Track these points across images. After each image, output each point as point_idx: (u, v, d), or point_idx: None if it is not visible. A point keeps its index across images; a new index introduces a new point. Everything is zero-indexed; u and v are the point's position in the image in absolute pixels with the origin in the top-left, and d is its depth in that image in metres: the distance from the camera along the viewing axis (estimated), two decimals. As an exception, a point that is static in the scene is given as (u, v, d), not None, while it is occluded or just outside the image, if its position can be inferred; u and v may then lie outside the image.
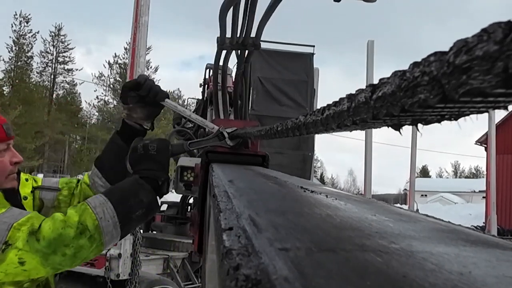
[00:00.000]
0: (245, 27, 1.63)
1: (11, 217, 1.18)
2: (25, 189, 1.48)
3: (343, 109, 0.36)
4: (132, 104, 1.51)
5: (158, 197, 1.36)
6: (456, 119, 0.27)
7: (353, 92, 0.36)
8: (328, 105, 0.41)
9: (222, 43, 1.72)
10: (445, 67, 0.23)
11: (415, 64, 0.26)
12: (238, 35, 1.71)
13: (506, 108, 0.23)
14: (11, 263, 1.13)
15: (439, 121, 0.28)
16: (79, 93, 40.11)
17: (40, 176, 1.66)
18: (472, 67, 0.21)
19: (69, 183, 1.61)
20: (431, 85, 0.24)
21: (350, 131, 0.40)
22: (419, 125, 0.30)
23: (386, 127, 0.34)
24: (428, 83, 0.24)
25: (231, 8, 1.58)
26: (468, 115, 0.26)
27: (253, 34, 1.69)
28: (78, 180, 1.64)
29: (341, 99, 0.38)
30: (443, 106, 0.25)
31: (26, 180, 1.51)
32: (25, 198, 1.46)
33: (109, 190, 1.31)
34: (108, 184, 1.54)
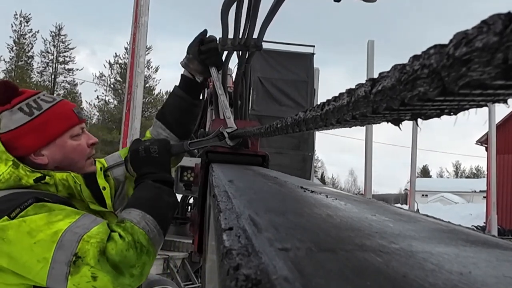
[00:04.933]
0: (247, 28, 1.63)
1: (82, 227, 1.15)
2: (100, 179, 1.48)
3: (342, 104, 0.36)
4: (192, 55, 1.60)
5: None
6: (455, 113, 0.27)
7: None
8: (327, 100, 0.41)
9: (224, 44, 1.72)
10: (445, 59, 0.23)
11: (415, 57, 0.26)
12: (240, 36, 1.71)
13: (505, 101, 0.23)
14: (84, 276, 1.10)
15: (438, 116, 0.28)
16: (80, 93, 40.18)
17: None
18: (472, 59, 0.21)
19: None
20: (431, 78, 0.24)
21: (350, 126, 0.40)
22: (419, 121, 0.30)
23: (386, 122, 0.34)
24: (427, 75, 0.24)
25: (234, 9, 1.58)
26: (467, 109, 0.26)
27: (255, 35, 1.69)
28: None
29: (340, 94, 0.38)
30: (443, 99, 0.25)
31: (100, 169, 1.51)
32: (104, 188, 1.46)
33: (137, 203, 1.28)
34: (173, 135, 1.60)
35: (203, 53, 1.59)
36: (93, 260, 1.11)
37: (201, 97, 1.68)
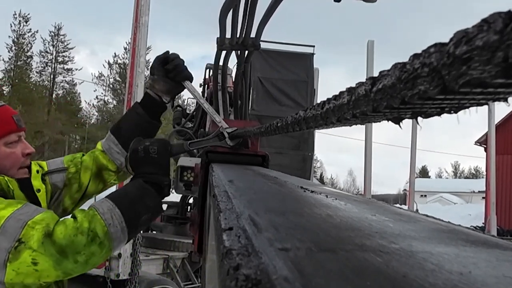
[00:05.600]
0: (245, 28, 1.63)
1: (26, 214, 1.17)
2: (36, 181, 1.46)
3: (343, 103, 0.36)
4: (157, 76, 1.58)
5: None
6: (456, 111, 0.27)
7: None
8: (328, 99, 0.41)
9: (222, 44, 1.72)
10: (445, 58, 0.23)
11: (415, 56, 0.26)
12: (238, 36, 1.71)
13: (506, 100, 0.23)
14: (23, 261, 1.12)
15: (439, 114, 0.28)
16: (79, 93, 40.16)
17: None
18: (472, 58, 0.21)
19: (74, 159, 1.61)
20: (431, 76, 0.24)
21: (350, 125, 0.40)
22: (419, 119, 0.30)
23: (386, 121, 0.34)
24: (428, 74, 0.24)
25: (232, 9, 1.58)
26: (468, 107, 0.26)
27: (252, 35, 1.69)
28: (83, 154, 1.64)
29: (341, 92, 0.38)
30: (443, 98, 0.25)
31: (37, 172, 1.49)
32: (38, 190, 1.45)
33: (116, 195, 1.30)
34: (125, 151, 1.56)
35: (171, 71, 1.56)
36: (36, 243, 1.12)
37: (160, 119, 1.64)
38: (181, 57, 1.58)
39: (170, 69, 1.56)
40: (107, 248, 1.20)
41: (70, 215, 1.25)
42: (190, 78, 1.60)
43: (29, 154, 1.41)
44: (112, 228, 1.20)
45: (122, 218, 1.22)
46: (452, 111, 0.27)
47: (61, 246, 1.14)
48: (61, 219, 1.22)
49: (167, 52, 1.60)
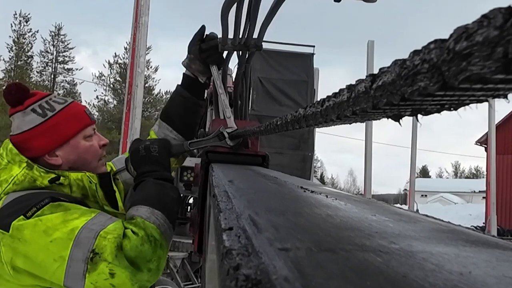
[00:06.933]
0: (248, 28, 1.63)
1: (99, 224, 1.14)
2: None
3: (343, 100, 0.36)
4: (193, 55, 1.57)
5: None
6: (456, 108, 0.27)
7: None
8: (328, 96, 0.41)
9: (224, 44, 1.71)
10: (445, 54, 0.23)
11: (415, 52, 0.26)
12: (240, 36, 1.71)
13: (505, 96, 0.23)
14: (102, 273, 1.08)
15: (439, 111, 0.28)
16: (79, 93, 40.16)
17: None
18: (472, 53, 0.21)
19: None
20: (431, 73, 0.24)
21: (350, 123, 0.40)
22: (419, 116, 0.30)
23: (386, 118, 0.34)
24: (428, 70, 0.24)
25: (234, 9, 1.58)
26: (468, 104, 0.26)
27: (255, 35, 1.69)
28: None
29: (341, 90, 0.38)
30: (443, 94, 0.25)
31: (110, 172, 1.49)
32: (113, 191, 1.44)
33: (143, 198, 1.26)
34: (181, 137, 1.57)
35: (204, 51, 1.56)
36: (110, 256, 1.09)
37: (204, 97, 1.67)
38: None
39: (204, 49, 1.56)
40: (166, 248, 1.20)
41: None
42: (219, 63, 1.60)
43: (105, 145, 1.43)
44: (162, 228, 1.19)
45: (163, 216, 1.22)
46: (452, 108, 0.27)
47: (131, 258, 1.11)
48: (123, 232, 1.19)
49: (203, 27, 1.59)
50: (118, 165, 1.58)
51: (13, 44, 35.76)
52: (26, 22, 36.16)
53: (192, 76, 1.61)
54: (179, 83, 1.65)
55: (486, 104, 0.25)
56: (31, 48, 36.56)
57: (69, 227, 1.12)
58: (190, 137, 1.62)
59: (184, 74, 1.63)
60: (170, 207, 1.27)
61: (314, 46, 7.68)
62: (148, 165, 1.36)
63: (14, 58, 35.73)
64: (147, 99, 35.19)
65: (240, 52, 1.93)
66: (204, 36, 1.59)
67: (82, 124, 1.36)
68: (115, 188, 1.43)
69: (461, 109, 0.27)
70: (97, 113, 38.97)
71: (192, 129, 1.64)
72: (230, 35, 1.71)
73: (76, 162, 1.34)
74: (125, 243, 1.12)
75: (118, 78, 37.65)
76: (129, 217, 1.22)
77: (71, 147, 1.33)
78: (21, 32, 36.19)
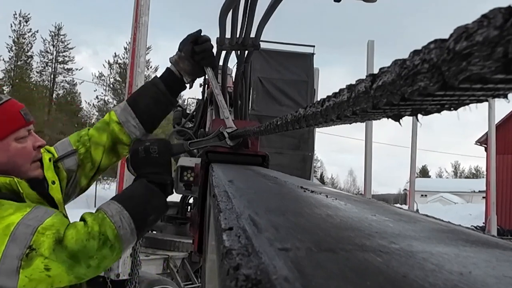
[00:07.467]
0: (245, 28, 1.63)
1: (35, 219, 1.14)
2: (49, 172, 1.41)
3: (343, 100, 0.36)
4: (184, 54, 1.55)
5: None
6: (456, 108, 0.27)
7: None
8: (328, 96, 0.41)
9: (222, 44, 1.72)
10: (445, 53, 0.23)
11: (415, 52, 0.26)
12: (237, 36, 1.71)
13: (505, 96, 0.23)
14: (36, 268, 1.10)
15: (439, 111, 0.28)
16: (79, 93, 40.15)
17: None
18: (472, 53, 0.21)
19: (81, 139, 1.54)
20: (431, 73, 0.24)
21: (350, 123, 0.40)
22: (419, 116, 0.30)
23: (386, 118, 0.33)
24: (428, 70, 0.24)
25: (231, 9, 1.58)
26: (468, 104, 0.26)
27: (252, 34, 1.69)
28: (88, 129, 1.58)
29: (341, 89, 0.38)
30: (443, 94, 0.25)
31: (49, 160, 1.43)
32: (53, 182, 1.40)
33: (122, 197, 1.29)
34: (141, 127, 1.53)
35: (198, 53, 1.54)
36: (47, 251, 1.10)
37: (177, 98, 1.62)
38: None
39: (198, 51, 1.54)
40: (117, 251, 1.20)
41: (79, 218, 1.23)
42: (215, 66, 1.59)
43: (40, 147, 1.38)
44: (121, 230, 1.19)
45: (130, 219, 1.22)
46: (452, 108, 0.27)
47: (73, 251, 1.12)
48: (71, 223, 1.20)
49: (200, 31, 1.57)
50: (61, 151, 1.51)
51: (13, 44, 35.74)
52: (26, 22, 36.15)
53: (176, 73, 1.58)
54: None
55: (486, 104, 0.25)
56: (31, 48, 36.54)
57: (4, 223, 1.11)
58: (149, 130, 1.57)
59: (168, 68, 1.59)
60: (145, 213, 1.26)
61: (314, 46, 7.68)
62: (147, 167, 1.36)
63: (14, 58, 35.70)
64: (147, 99, 35.09)
65: (239, 51, 1.94)
66: (198, 38, 1.57)
67: (14, 125, 1.30)
68: (53, 179, 1.38)
69: (461, 109, 0.27)
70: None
71: (155, 123, 1.58)
72: (228, 35, 1.71)
73: (7, 165, 1.29)
74: (71, 235, 1.13)
75: (118, 78, 37.62)
76: (97, 208, 1.23)
77: (1, 150, 1.28)
78: (21, 32, 36.17)
